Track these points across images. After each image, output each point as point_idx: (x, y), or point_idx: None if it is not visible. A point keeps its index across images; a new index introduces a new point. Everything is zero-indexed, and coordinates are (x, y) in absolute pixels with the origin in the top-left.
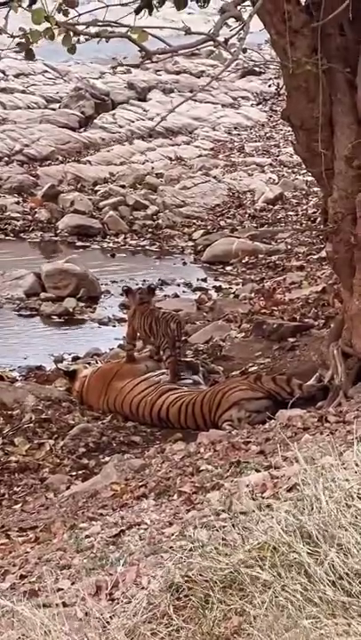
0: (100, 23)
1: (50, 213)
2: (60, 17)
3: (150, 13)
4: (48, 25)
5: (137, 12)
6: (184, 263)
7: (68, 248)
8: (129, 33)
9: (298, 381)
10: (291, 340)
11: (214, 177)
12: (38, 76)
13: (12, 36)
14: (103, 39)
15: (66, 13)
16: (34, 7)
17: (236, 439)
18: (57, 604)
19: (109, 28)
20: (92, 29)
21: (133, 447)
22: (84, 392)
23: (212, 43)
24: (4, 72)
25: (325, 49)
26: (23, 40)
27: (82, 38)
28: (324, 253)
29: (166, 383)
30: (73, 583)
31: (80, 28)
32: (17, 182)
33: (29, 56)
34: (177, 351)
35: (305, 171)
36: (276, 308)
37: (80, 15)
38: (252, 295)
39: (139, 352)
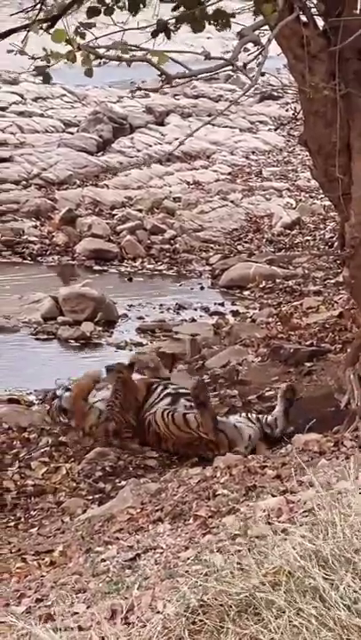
0: (121, 46)
1: (67, 237)
2: (77, 39)
3: (168, 37)
4: (69, 47)
5: (154, 35)
6: (201, 287)
7: (85, 272)
8: (149, 56)
9: None
10: (308, 364)
11: (232, 201)
12: (56, 99)
13: (32, 58)
14: (123, 62)
15: (83, 36)
16: (55, 28)
17: (253, 463)
18: (72, 628)
19: (129, 52)
20: (113, 53)
21: (150, 471)
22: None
23: (230, 67)
24: (22, 96)
25: (343, 74)
26: (43, 62)
27: (102, 61)
28: (341, 278)
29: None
30: (88, 607)
31: (101, 51)
32: (34, 206)
33: (46, 79)
34: None
35: (322, 195)
36: (293, 333)
37: (97, 39)
38: (270, 320)
39: None
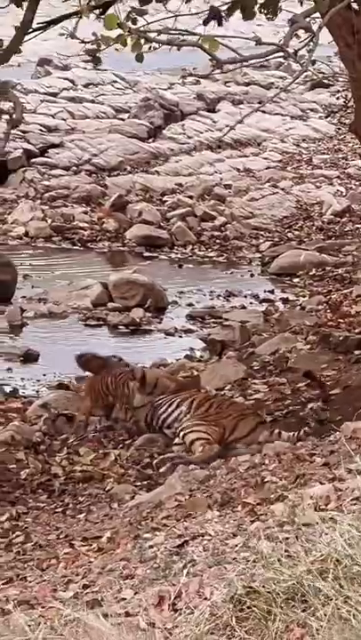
0: (172, 31)
1: (118, 223)
2: (129, 24)
3: (220, 24)
4: (120, 31)
5: (205, 22)
6: (251, 275)
7: (135, 258)
8: (200, 42)
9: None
10: (357, 352)
11: (282, 189)
12: (107, 85)
13: (82, 42)
14: (174, 47)
15: (135, 22)
16: (107, 13)
17: (301, 451)
18: (120, 614)
19: (180, 37)
20: (164, 37)
21: None
22: None
23: (281, 54)
24: (73, 82)
25: None
26: (94, 46)
27: (153, 46)
28: None
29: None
30: (136, 593)
31: (152, 35)
32: (85, 192)
33: (96, 61)
34: None
35: None
36: (342, 321)
37: (149, 24)
38: (319, 307)
39: None
